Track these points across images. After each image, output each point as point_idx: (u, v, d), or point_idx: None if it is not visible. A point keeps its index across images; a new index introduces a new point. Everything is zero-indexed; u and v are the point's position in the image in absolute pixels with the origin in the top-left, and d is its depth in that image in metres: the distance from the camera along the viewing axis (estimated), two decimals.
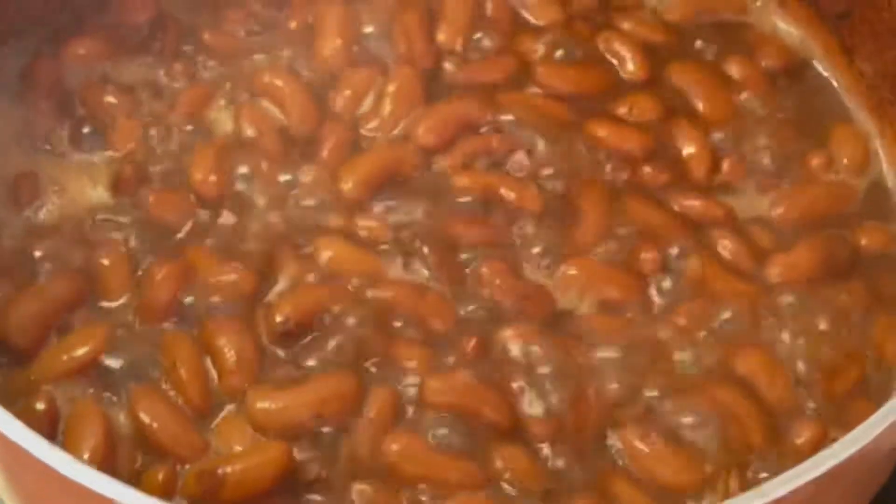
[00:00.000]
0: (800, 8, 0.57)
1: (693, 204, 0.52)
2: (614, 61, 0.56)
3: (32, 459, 0.38)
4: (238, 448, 0.46)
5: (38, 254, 0.51)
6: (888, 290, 0.51)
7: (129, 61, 0.56)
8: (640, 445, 0.46)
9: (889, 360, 0.49)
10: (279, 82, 0.55)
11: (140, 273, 0.51)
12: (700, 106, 0.55)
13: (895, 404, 0.39)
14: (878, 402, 0.47)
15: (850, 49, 0.55)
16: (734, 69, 0.56)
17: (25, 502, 0.45)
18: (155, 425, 0.46)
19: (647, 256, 0.51)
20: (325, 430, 0.46)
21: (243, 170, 0.53)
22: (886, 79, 0.54)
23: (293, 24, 0.57)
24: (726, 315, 0.49)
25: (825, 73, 0.57)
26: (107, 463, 0.45)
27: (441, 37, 0.57)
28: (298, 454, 0.46)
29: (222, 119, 0.55)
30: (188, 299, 0.50)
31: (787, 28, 0.58)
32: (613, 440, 0.47)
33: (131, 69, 0.56)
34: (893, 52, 0.52)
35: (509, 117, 0.54)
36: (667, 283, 0.50)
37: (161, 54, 0.56)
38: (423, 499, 0.45)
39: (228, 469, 0.45)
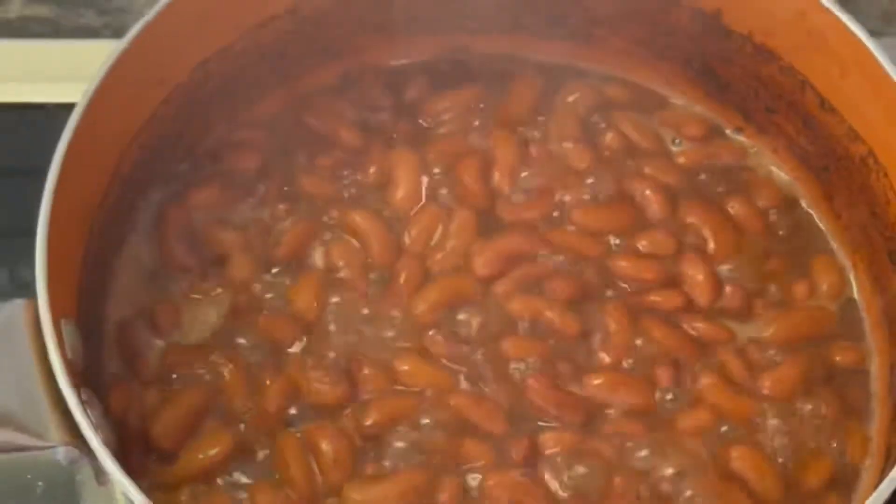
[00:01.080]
0: (790, 158, 0.68)
1: (699, 326, 0.64)
2: (637, 201, 0.68)
3: None
4: None
5: (176, 370, 0.63)
6: (855, 399, 0.63)
7: (241, 203, 0.68)
8: None
9: (854, 459, 0.61)
10: (362, 222, 0.67)
11: (254, 384, 0.63)
12: (707, 240, 0.67)
13: None
14: (843, 493, 0.60)
15: (830, 195, 0.66)
16: (735, 207, 0.67)
17: None
18: None
19: (663, 372, 0.63)
20: None
21: (335, 298, 0.65)
22: (857, 223, 0.65)
23: (372, 170, 0.69)
24: (726, 422, 0.61)
25: (810, 212, 0.68)
26: None
27: (494, 180, 0.69)
28: None
29: (318, 254, 0.67)
30: (293, 409, 0.62)
31: (779, 172, 0.69)
32: None
33: (243, 210, 0.68)
34: (862, 203, 0.64)
35: (548, 250, 0.66)
36: (678, 395, 0.62)
37: (266, 197, 0.68)
38: None
39: None
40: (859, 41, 0.60)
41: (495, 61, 0.73)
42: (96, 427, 0.51)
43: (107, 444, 0.51)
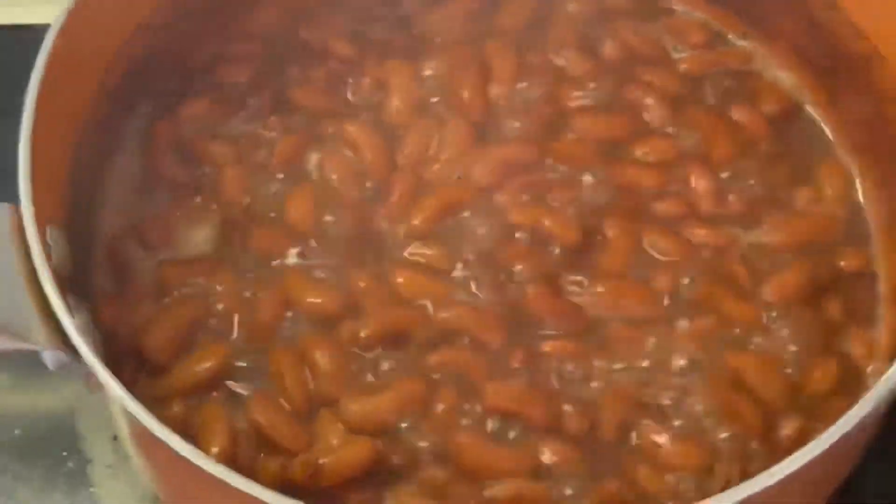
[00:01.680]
0: (794, 61, 0.67)
1: (702, 233, 0.63)
2: (638, 109, 0.67)
3: (176, 456, 0.49)
4: (334, 442, 0.57)
5: (168, 285, 0.62)
6: (861, 305, 0.61)
7: (232, 116, 0.67)
8: (656, 439, 0.57)
9: (859, 363, 0.60)
10: (356, 133, 0.66)
11: (248, 296, 0.62)
12: (709, 148, 0.65)
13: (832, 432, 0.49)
14: (849, 397, 0.59)
15: (835, 97, 0.65)
16: (738, 114, 0.66)
17: (172, 494, 0.58)
18: (267, 425, 0.58)
19: (664, 279, 0.62)
20: (404, 426, 0.58)
21: (330, 209, 0.64)
22: (862, 125, 0.63)
23: (366, 81, 0.68)
24: (729, 328, 0.60)
25: (815, 117, 0.67)
26: (231, 456, 0.57)
27: (492, 90, 0.67)
28: (382, 446, 0.57)
29: (312, 165, 0.66)
30: (289, 316, 0.61)
31: (784, 77, 0.68)
32: (634, 436, 0.57)
33: (235, 124, 0.67)
34: (867, 104, 0.62)
35: (550, 159, 0.65)
36: (680, 301, 0.61)
37: (259, 109, 0.67)
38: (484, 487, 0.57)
39: (326, 459, 0.56)
40: None
41: None
42: (82, 331, 0.50)
43: (94, 348, 0.51)
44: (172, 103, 0.67)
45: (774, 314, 0.60)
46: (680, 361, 0.59)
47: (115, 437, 0.66)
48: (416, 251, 0.63)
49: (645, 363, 0.59)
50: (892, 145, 0.60)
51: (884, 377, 0.49)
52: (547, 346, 0.60)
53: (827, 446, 0.48)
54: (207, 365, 0.59)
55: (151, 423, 0.50)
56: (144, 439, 0.53)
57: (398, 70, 0.67)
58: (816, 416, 0.58)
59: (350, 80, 0.68)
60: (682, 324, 0.60)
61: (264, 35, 0.70)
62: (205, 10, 0.67)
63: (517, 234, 0.63)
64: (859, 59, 0.62)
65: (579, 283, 0.62)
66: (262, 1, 0.69)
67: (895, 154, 0.60)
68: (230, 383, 0.59)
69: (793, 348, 0.59)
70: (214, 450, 0.57)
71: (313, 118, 0.67)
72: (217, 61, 0.68)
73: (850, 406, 0.57)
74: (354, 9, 0.71)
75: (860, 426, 0.49)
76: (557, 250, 0.62)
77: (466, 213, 0.63)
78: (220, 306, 0.61)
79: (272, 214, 0.64)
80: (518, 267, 0.62)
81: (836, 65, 0.64)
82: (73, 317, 0.51)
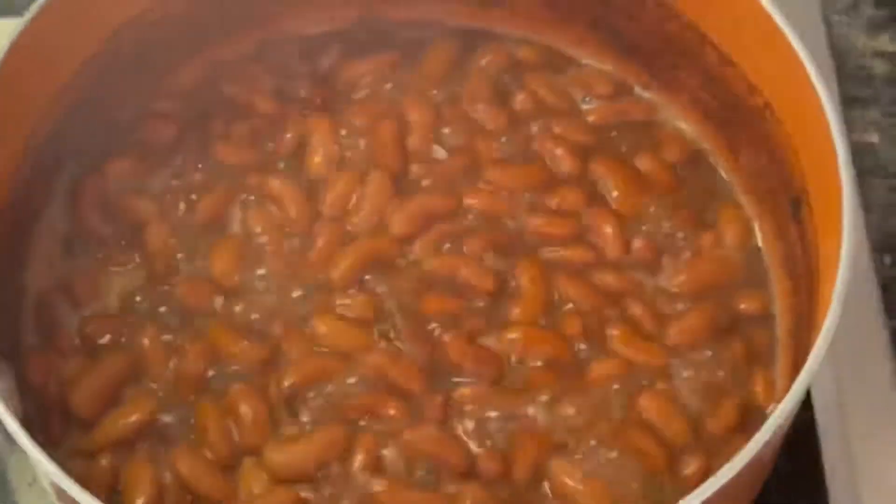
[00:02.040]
0: (694, 112, 0.70)
1: (609, 279, 0.65)
2: (548, 160, 0.69)
3: None
4: (256, 491, 0.59)
5: (94, 339, 0.64)
6: (760, 346, 0.64)
7: (158, 173, 0.69)
8: (567, 480, 0.59)
9: (759, 403, 0.62)
10: (279, 188, 0.68)
11: (174, 349, 0.64)
12: (616, 196, 0.68)
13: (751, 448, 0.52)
14: (749, 435, 0.61)
15: (734, 147, 0.68)
16: (643, 163, 0.69)
17: None
18: (191, 476, 0.60)
19: (573, 324, 0.64)
20: (326, 473, 0.60)
21: (253, 263, 0.66)
22: (759, 174, 0.66)
23: (289, 136, 0.70)
24: (635, 370, 0.63)
25: (715, 166, 0.70)
26: None
27: (410, 142, 0.70)
28: (306, 494, 0.59)
29: (236, 220, 0.68)
30: (212, 372, 0.63)
31: (686, 127, 0.71)
32: (546, 478, 0.60)
33: (160, 179, 0.69)
34: (763, 154, 0.65)
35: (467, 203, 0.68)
36: (589, 345, 0.64)
37: (184, 166, 0.69)
38: None
39: None
40: None
41: (410, 28, 0.74)
42: (5, 397, 0.52)
43: (15, 413, 0.52)
44: (98, 161, 0.69)
45: (678, 356, 0.63)
46: (590, 403, 0.62)
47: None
48: (338, 301, 0.65)
49: (556, 406, 0.62)
50: (787, 192, 0.63)
51: (773, 415, 0.52)
52: (463, 392, 0.62)
53: (724, 482, 0.51)
54: (133, 419, 0.61)
55: (70, 487, 0.51)
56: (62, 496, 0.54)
57: (319, 126, 0.70)
58: (719, 454, 0.60)
59: (273, 136, 0.70)
60: (592, 367, 0.63)
61: (188, 92, 0.72)
62: (128, 68, 0.69)
63: (435, 284, 0.66)
64: (754, 112, 0.65)
65: (495, 331, 0.64)
66: (186, 58, 0.72)
67: (791, 201, 0.63)
68: (156, 439, 0.61)
69: (695, 389, 0.62)
70: (139, 501, 0.59)
71: (237, 173, 0.69)
72: (142, 118, 0.70)
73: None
74: (277, 65, 0.73)
75: (756, 461, 0.52)
76: (473, 298, 0.65)
77: (387, 263, 0.66)
78: (145, 360, 0.63)
79: (197, 268, 0.66)
80: (436, 315, 0.65)
81: (733, 116, 0.67)
82: None
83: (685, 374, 0.63)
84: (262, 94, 0.72)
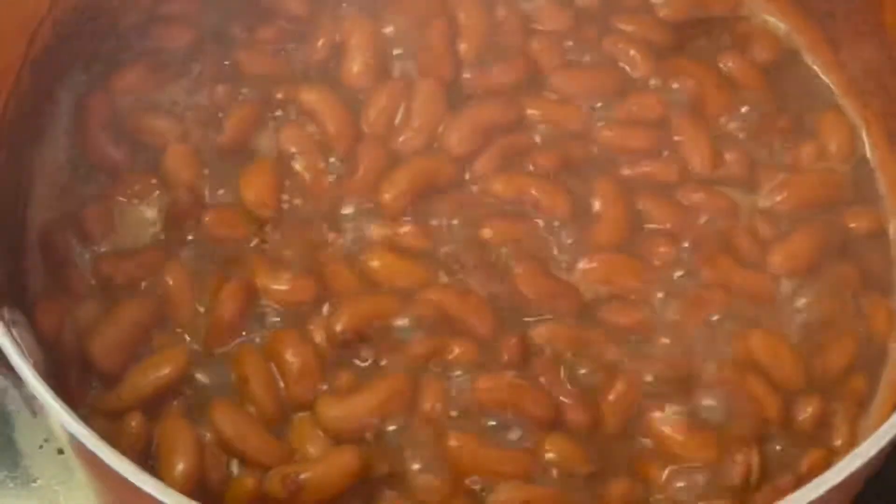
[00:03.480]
0: (788, 4, 0.62)
1: (699, 197, 0.58)
2: (620, 62, 0.61)
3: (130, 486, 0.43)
4: (312, 451, 0.51)
5: (112, 280, 0.56)
6: (875, 269, 0.57)
7: (174, 86, 0.60)
8: (668, 431, 0.52)
9: (879, 334, 0.55)
10: (315, 101, 0.59)
11: (204, 291, 0.56)
12: (699, 103, 0.60)
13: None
14: (870, 374, 0.55)
15: (835, 43, 0.60)
16: (729, 64, 0.61)
17: None
18: (235, 437, 0.52)
19: (662, 250, 0.57)
20: (390, 428, 0.53)
21: (289, 187, 0.58)
22: (866, 72, 0.58)
23: (321, 42, 0.61)
24: (736, 302, 0.55)
25: (813, 66, 0.62)
26: (198, 475, 0.51)
27: (461, 47, 0.61)
28: (368, 452, 0.52)
29: (266, 138, 0.59)
30: (253, 312, 0.55)
31: (776, 22, 0.62)
32: (644, 426, 0.53)
33: (177, 94, 0.60)
34: (871, 48, 0.57)
35: (531, 115, 0.59)
36: (681, 275, 0.56)
37: (202, 77, 0.60)
38: (478, 488, 0.52)
39: (308, 474, 0.50)
40: None
41: None
42: (24, 350, 0.44)
43: (36, 367, 0.44)
44: (106, 73, 0.60)
45: (784, 285, 0.56)
46: (686, 343, 0.54)
47: (61, 451, 0.60)
48: (390, 231, 0.57)
49: (648, 347, 0.54)
50: None
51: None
52: (541, 332, 0.55)
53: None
54: (164, 372, 0.53)
55: (101, 450, 0.43)
56: (91, 461, 0.46)
57: (357, 28, 0.61)
58: (835, 395, 0.54)
59: (304, 40, 0.61)
60: (685, 300, 0.55)
61: None
62: None
63: (501, 208, 0.57)
64: (862, 0, 0.57)
65: (571, 260, 0.57)
66: None
67: None
68: (192, 393, 0.53)
69: (806, 322, 0.55)
70: (179, 468, 0.50)
71: (265, 85, 0.60)
72: (152, 22, 0.61)
73: (870, 384, 0.54)
74: None
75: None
76: (545, 223, 0.57)
77: (444, 187, 0.58)
78: (172, 303, 0.55)
79: (225, 196, 0.58)
80: (504, 244, 0.57)
81: (834, 8, 0.59)
82: (11, 334, 0.45)
83: (794, 304, 0.55)
84: None
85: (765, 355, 0.54)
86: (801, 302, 0.55)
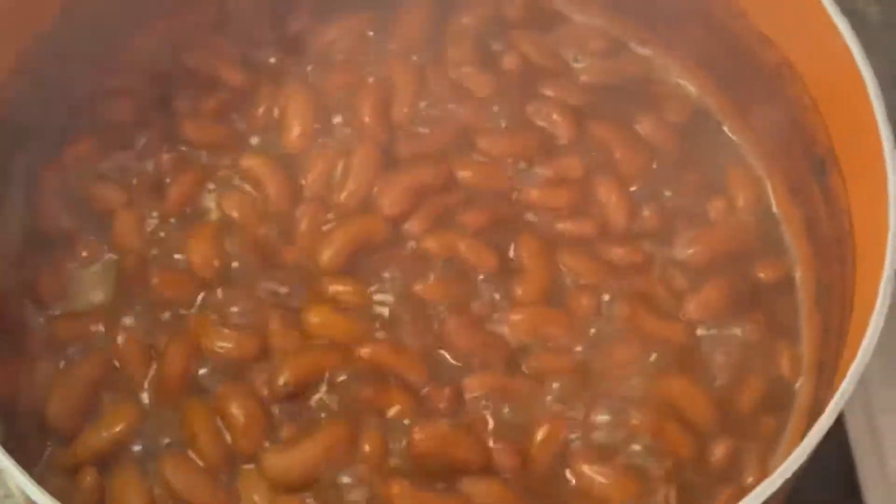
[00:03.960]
0: (698, 69, 0.66)
1: (618, 251, 0.61)
2: (543, 125, 0.65)
3: None
4: (258, 502, 0.54)
5: (66, 343, 0.58)
6: (782, 315, 0.61)
7: (121, 155, 0.63)
8: (592, 472, 0.55)
9: (786, 377, 0.59)
10: (256, 166, 0.63)
11: (153, 349, 0.59)
12: (618, 161, 0.63)
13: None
14: (778, 414, 0.58)
15: (742, 106, 0.64)
16: (644, 124, 0.64)
17: None
18: (184, 490, 0.55)
19: (584, 302, 0.60)
20: (332, 477, 0.55)
21: (233, 249, 0.61)
22: (770, 133, 0.62)
23: (262, 110, 0.65)
24: (654, 350, 0.59)
25: (722, 125, 0.65)
26: None
27: (395, 112, 0.64)
28: (312, 502, 0.55)
29: (210, 202, 0.62)
30: (200, 371, 0.58)
31: (688, 85, 0.66)
32: (570, 468, 0.56)
33: (124, 162, 0.63)
34: (775, 112, 0.61)
35: (460, 176, 0.63)
36: (602, 325, 0.60)
37: (148, 147, 0.63)
38: None
39: None
40: None
41: None
42: None
43: None
44: (57, 145, 0.63)
45: (698, 333, 0.59)
46: (608, 388, 0.58)
47: None
48: (329, 289, 0.60)
49: (572, 393, 0.58)
50: (806, 152, 0.59)
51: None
52: (472, 382, 0.58)
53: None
54: (116, 429, 0.56)
55: None
56: None
57: (295, 97, 0.64)
58: (747, 436, 0.57)
59: (244, 110, 0.64)
60: (607, 348, 0.59)
61: (147, 65, 0.66)
62: (82, 42, 0.62)
63: (432, 265, 0.61)
64: (767, 68, 0.61)
65: (499, 312, 0.60)
66: (143, 29, 0.65)
67: (810, 161, 0.59)
68: (142, 447, 0.56)
69: (719, 367, 0.59)
70: None
71: (208, 152, 0.63)
72: (99, 96, 0.64)
73: (779, 423, 0.58)
74: (241, 30, 0.67)
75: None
76: (475, 278, 0.61)
77: (379, 245, 0.61)
78: (123, 362, 0.58)
79: (171, 259, 0.61)
80: (436, 299, 0.60)
81: (742, 73, 0.63)
82: None
83: (707, 351, 0.59)
84: (229, 64, 0.66)
85: (681, 399, 0.57)
86: (715, 348, 0.59)
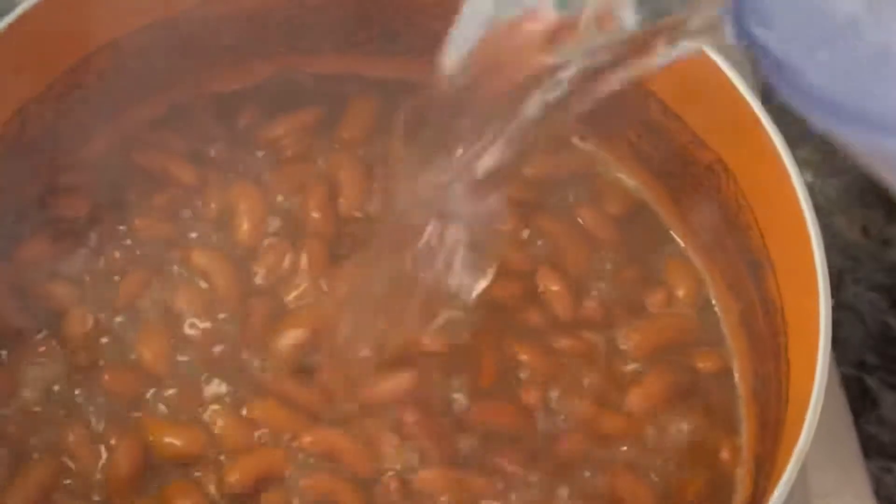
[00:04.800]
0: (635, 163, 0.68)
1: (563, 342, 0.63)
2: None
3: None
4: None
5: (16, 442, 0.59)
6: (721, 406, 0.62)
7: (73, 253, 0.64)
8: None
9: (726, 466, 0.60)
10: (206, 262, 0.64)
11: (104, 447, 0.59)
12: (561, 253, 0.65)
13: None
14: (719, 502, 0.60)
15: (678, 200, 0.66)
16: (586, 217, 0.66)
17: None
18: None
19: (531, 395, 0.62)
20: None
21: (183, 344, 0.62)
22: (706, 229, 0.64)
23: (213, 206, 0.66)
24: (597, 441, 0.60)
25: (660, 218, 0.67)
26: None
27: (342, 206, 0.66)
28: None
29: (161, 298, 0.63)
30: (150, 466, 0.59)
31: (627, 178, 0.68)
32: None
33: (76, 260, 0.64)
34: (712, 210, 0.63)
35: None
36: (551, 417, 0.61)
37: (100, 243, 0.64)
38: None
39: None
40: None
41: (329, 82, 0.71)
42: None
43: None
44: (9, 245, 0.63)
45: (640, 424, 0.61)
46: (551, 481, 0.59)
47: None
48: (276, 383, 0.61)
49: (517, 484, 0.59)
50: (739, 250, 0.62)
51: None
52: (425, 475, 0.59)
53: None
54: None
55: None
56: None
57: (244, 194, 0.66)
58: None
59: (194, 205, 0.66)
60: (553, 440, 0.60)
61: (98, 163, 0.66)
62: (34, 144, 0.64)
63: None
64: (702, 167, 0.63)
65: (448, 407, 0.61)
66: (93, 129, 0.66)
67: (745, 259, 0.61)
68: None
69: (660, 459, 0.60)
70: None
71: (159, 248, 0.65)
72: (51, 195, 0.65)
73: None
74: (191, 129, 0.69)
75: None
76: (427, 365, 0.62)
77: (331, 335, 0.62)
78: (74, 461, 0.59)
79: (123, 355, 0.61)
80: (386, 392, 0.61)
81: (678, 170, 0.65)
82: None
83: (650, 442, 0.61)
84: (178, 160, 0.67)
85: (624, 491, 0.59)
86: (657, 439, 0.61)
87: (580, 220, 0.67)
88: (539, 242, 0.66)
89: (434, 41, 0.67)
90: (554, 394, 0.61)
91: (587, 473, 0.59)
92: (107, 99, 0.65)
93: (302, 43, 0.69)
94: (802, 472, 0.65)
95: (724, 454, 0.60)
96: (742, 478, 0.60)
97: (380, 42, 0.69)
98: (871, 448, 0.67)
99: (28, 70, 0.60)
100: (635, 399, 0.61)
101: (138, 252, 0.64)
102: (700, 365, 0.63)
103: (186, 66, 0.68)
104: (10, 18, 0.59)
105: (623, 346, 0.63)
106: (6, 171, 0.62)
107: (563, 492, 0.58)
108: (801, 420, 0.51)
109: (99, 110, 0.65)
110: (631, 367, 0.63)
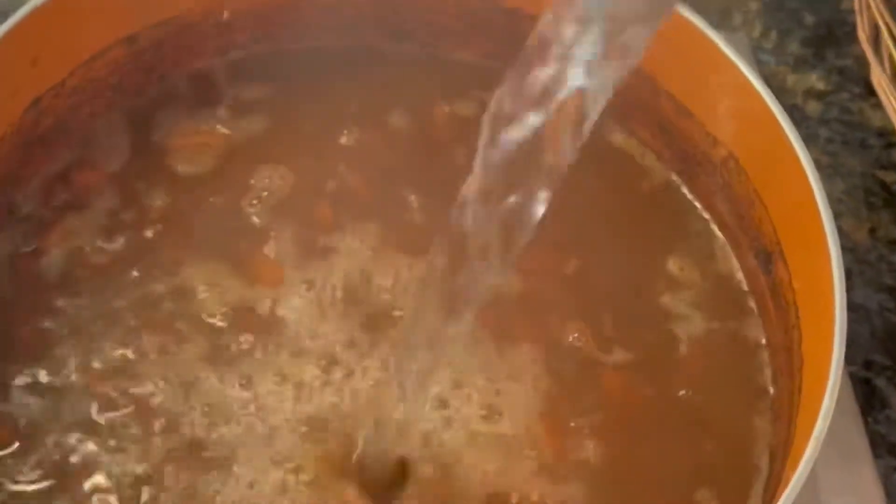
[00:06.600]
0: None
1: None
2: None
3: None
4: None
5: None
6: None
7: None
8: None
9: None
10: None
11: None
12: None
13: None
14: None
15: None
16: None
17: None
18: None
19: None
20: None
21: None
22: (722, 224, 0.64)
23: None
24: None
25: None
26: None
27: None
28: None
29: None
30: None
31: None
32: None
33: None
34: (724, 204, 0.64)
35: None
36: None
37: None
38: None
39: None
40: (712, 42, 0.60)
41: None
42: None
43: None
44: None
45: None
46: None
47: None
48: None
49: None
50: (752, 246, 0.61)
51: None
52: None
53: None
54: None
55: None
56: None
57: None
58: None
59: None
60: None
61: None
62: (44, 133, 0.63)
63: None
64: (715, 164, 0.63)
65: None
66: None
67: (756, 254, 0.61)
68: None
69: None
70: None
71: None
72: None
73: None
74: None
75: None
76: None
77: None
78: None
79: None
80: None
81: (689, 168, 0.65)
82: None
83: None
84: None
85: None
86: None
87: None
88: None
89: None
90: None
91: None
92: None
93: None
94: (812, 471, 0.66)
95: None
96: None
97: None
98: (880, 448, 0.67)
99: (43, 62, 0.60)
100: None
101: None
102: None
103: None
104: (24, 11, 0.59)
105: None
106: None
107: None
108: (816, 411, 0.51)
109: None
110: None
